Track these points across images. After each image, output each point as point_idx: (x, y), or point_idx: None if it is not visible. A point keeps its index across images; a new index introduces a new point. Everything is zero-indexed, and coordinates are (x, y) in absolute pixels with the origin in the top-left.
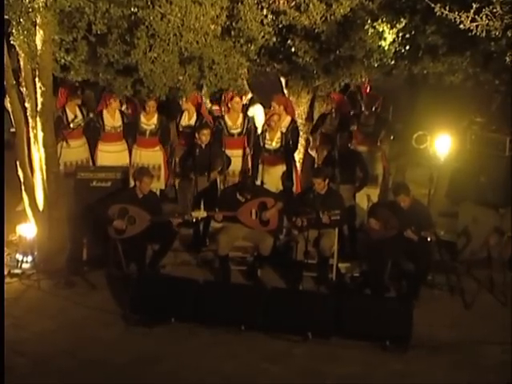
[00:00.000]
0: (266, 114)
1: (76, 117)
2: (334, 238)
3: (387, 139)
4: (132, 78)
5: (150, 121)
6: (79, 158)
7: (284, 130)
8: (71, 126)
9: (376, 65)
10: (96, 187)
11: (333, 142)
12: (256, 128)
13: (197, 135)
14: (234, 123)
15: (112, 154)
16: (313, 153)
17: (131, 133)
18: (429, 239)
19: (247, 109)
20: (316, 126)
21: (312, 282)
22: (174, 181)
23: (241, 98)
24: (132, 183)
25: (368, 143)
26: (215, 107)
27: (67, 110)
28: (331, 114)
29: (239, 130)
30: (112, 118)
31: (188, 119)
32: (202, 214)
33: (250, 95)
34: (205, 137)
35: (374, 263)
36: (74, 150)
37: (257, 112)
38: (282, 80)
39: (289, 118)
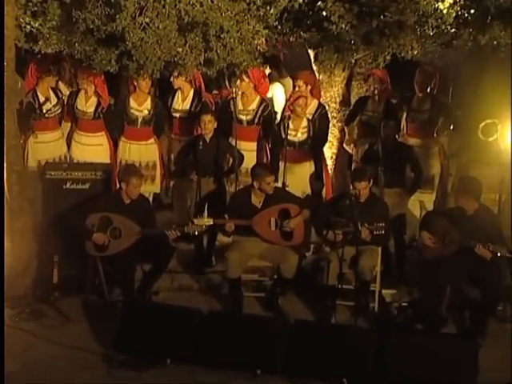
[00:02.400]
0: (288, 97)
1: (47, 100)
2: (376, 257)
3: (446, 129)
4: (117, 50)
5: (141, 105)
6: (56, 155)
7: (310, 117)
8: (45, 113)
9: (431, 33)
10: (70, 190)
11: (375, 132)
12: (275, 114)
13: (197, 122)
14: (245, 106)
15: (86, 148)
16: (349, 147)
17: (113, 121)
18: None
19: None
20: (354, 112)
21: (348, 313)
22: (168, 183)
23: (249, 78)
24: (117, 185)
25: (421, 134)
26: (214, 92)
27: (38, 93)
28: (373, 97)
29: (250, 116)
30: (84, 100)
31: (182, 101)
32: (206, 222)
33: (267, 71)
34: (209, 125)
35: (427, 289)
36: (50, 145)
37: (277, 92)
38: (311, 53)
39: (315, 102)
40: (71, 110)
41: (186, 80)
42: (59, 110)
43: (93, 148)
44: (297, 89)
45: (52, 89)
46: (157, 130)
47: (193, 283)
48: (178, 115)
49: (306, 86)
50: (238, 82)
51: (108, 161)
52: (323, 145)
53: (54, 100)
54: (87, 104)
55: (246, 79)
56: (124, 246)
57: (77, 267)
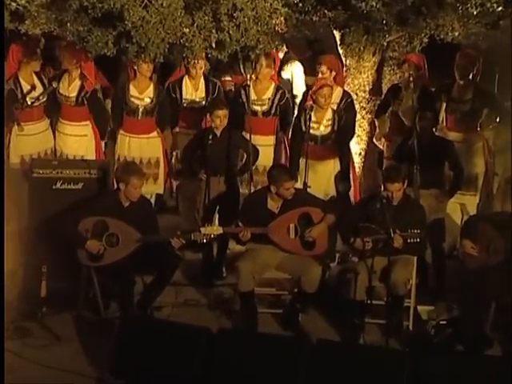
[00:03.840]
0: (307, 85)
1: (33, 88)
2: (411, 269)
3: (491, 122)
4: (115, 31)
5: (142, 93)
6: (41, 149)
7: (335, 108)
8: (28, 101)
9: (475, 12)
10: (61, 190)
11: (410, 126)
12: (293, 99)
13: (209, 117)
14: (259, 95)
15: (69, 138)
16: (380, 142)
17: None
18: None
19: (280, 71)
20: (385, 102)
21: (378, 332)
22: (173, 182)
23: (272, 62)
24: (114, 185)
25: (463, 128)
26: (226, 78)
27: (20, 79)
28: (408, 86)
29: (266, 107)
30: (67, 83)
31: (193, 90)
32: (216, 230)
33: (283, 51)
34: (220, 119)
35: (469, 305)
36: (35, 138)
37: (295, 72)
38: (336, 34)
39: (340, 90)
40: (53, 95)
41: (195, 65)
42: (44, 98)
43: (76, 139)
44: (320, 75)
45: (36, 74)
46: (160, 121)
47: (200, 297)
48: (186, 106)
49: (330, 72)
50: (259, 66)
51: (93, 154)
52: (350, 139)
53: (38, 87)
54: (70, 88)
55: (266, 63)
56: (122, 254)
57: (68, 279)
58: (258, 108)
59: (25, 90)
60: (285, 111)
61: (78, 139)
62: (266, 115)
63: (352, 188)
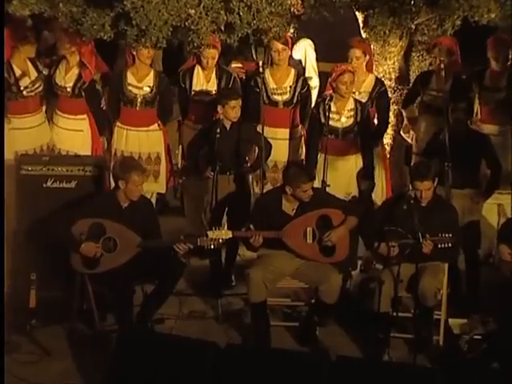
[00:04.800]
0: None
1: (26, 76)
2: (441, 277)
3: None
4: (112, 12)
5: (141, 81)
6: (37, 144)
7: (364, 97)
8: (22, 91)
9: None
10: (52, 189)
11: (441, 118)
12: (309, 90)
13: (220, 108)
14: (279, 84)
15: (64, 133)
16: (408, 136)
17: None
18: None
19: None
20: (413, 91)
21: (405, 347)
22: (178, 181)
23: (285, 44)
24: (111, 184)
25: (498, 120)
26: (236, 64)
27: (14, 66)
28: (439, 73)
29: (287, 96)
30: (64, 72)
31: (205, 80)
32: (225, 234)
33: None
34: (234, 111)
35: (506, 318)
36: (30, 133)
37: (308, 51)
38: (359, 16)
39: (372, 78)
40: (49, 84)
41: (206, 55)
42: (41, 87)
43: (71, 134)
44: (354, 61)
45: (30, 60)
46: (162, 113)
47: (207, 309)
48: (196, 98)
49: (365, 56)
50: (275, 51)
51: (88, 151)
52: (383, 133)
53: (33, 74)
54: (67, 77)
55: (282, 47)
56: (120, 261)
57: (60, 288)
58: (278, 98)
59: (19, 79)
60: (306, 101)
61: (73, 134)
62: (287, 105)
63: (377, 187)
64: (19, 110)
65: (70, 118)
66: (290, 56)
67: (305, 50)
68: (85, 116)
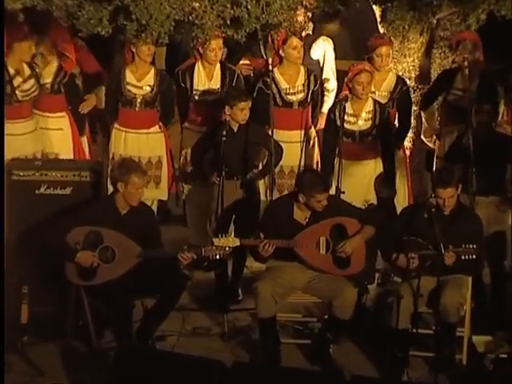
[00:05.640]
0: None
1: (17, 74)
2: (464, 292)
3: None
4: (110, 6)
5: (141, 80)
6: (29, 152)
7: (385, 97)
8: (18, 94)
9: None
10: (45, 196)
11: (465, 120)
12: (322, 86)
13: (228, 109)
14: (291, 83)
15: (45, 133)
16: (430, 140)
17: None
18: None
19: (309, 49)
20: (435, 91)
21: (425, 367)
22: (182, 187)
23: (301, 40)
24: (109, 190)
25: None
26: (244, 61)
27: (8, 67)
28: (462, 71)
29: (302, 95)
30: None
31: (207, 79)
32: (232, 242)
33: (309, 27)
34: (243, 113)
35: None
36: (22, 139)
37: (328, 51)
38: (376, 10)
39: (392, 76)
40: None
41: (211, 48)
42: (36, 91)
43: (50, 133)
44: (384, 59)
45: (27, 62)
46: (164, 114)
47: (212, 325)
48: (199, 98)
49: (388, 56)
50: (288, 47)
51: (69, 153)
52: (404, 137)
53: (26, 74)
54: (44, 72)
55: (296, 43)
56: (118, 272)
57: (54, 302)
58: (292, 98)
59: (14, 83)
60: (316, 100)
61: (51, 133)
62: (301, 105)
63: (397, 195)
64: (12, 115)
65: (49, 116)
66: (305, 54)
67: (324, 50)
68: (64, 114)
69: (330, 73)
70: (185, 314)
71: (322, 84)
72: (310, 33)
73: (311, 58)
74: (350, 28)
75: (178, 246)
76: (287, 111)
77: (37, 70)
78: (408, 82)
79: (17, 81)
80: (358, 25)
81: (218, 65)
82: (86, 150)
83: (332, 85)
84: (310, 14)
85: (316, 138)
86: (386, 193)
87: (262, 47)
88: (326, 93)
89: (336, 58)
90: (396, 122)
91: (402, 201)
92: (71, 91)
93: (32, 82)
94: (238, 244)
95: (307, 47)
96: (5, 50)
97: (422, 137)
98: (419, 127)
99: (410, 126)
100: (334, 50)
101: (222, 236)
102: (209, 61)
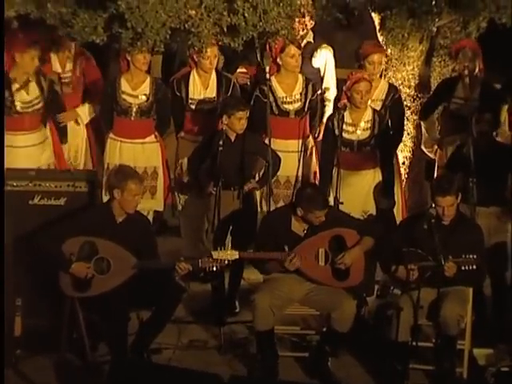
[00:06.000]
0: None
1: (21, 89)
2: (465, 304)
3: None
4: (105, 13)
5: (137, 89)
6: (39, 165)
7: (377, 105)
8: (17, 106)
9: None
10: (39, 206)
11: (466, 129)
12: (322, 95)
13: (225, 118)
14: (288, 92)
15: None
16: (430, 150)
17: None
18: None
19: (310, 58)
20: (434, 100)
21: (426, 380)
22: (178, 198)
23: (299, 48)
24: (105, 197)
25: None
26: (241, 70)
27: (11, 77)
28: (463, 80)
29: (299, 104)
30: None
31: (202, 87)
32: (229, 256)
33: (309, 36)
34: (241, 123)
35: None
36: (27, 151)
37: (329, 60)
38: (375, 17)
39: (384, 84)
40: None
41: (207, 56)
42: (40, 104)
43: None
44: (376, 67)
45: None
46: (159, 124)
47: (208, 338)
48: (195, 107)
49: (380, 63)
50: (286, 55)
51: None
52: (397, 144)
53: (32, 89)
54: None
55: (298, 51)
56: (114, 283)
57: (48, 314)
58: (289, 107)
59: (15, 95)
60: (314, 109)
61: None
62: (298, 114)
63: (396, 205)
64: (14, 127)
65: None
66: (306, 63)
67: (326, 59)
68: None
69: (330, 82)
70: (181, 326)
71: (322, 93)
72: (311, 41)
73: (312, 67)
74: (350, 36)
75: (174, 257)
76: (284, 120)
77: (43, 84)
78: (408, 90)
79: (18, 93)
80: (357, 33)
81: (214, 73)
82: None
83: (331, 94)
84: (311, 23)
85: (314, 148)
86: (385, 203)
87: (258, 55)
88: (326, 102)
89: (336, 67)
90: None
91: (396, 211)
92: (52, 99)
93: (35, 94)
94: (237, 257)
95: (308, 56)
96: (8, 61)
97: (423, 147)
98: (419, 137)
99: (402, 135)
100: (334, 57)
101: (220, 249)
102: (204, 69)
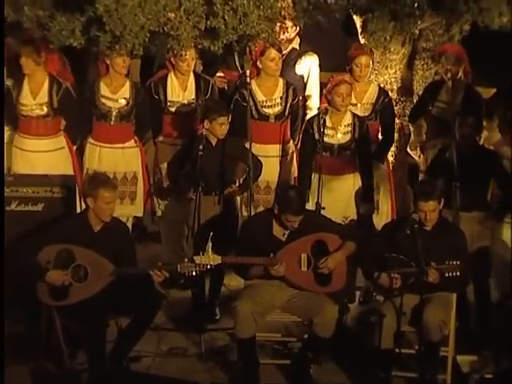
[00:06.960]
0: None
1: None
2: (448, 309)
3: None
4: (83, 17)
5: (116, 93)
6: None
7: (367, 109)
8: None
9: None
10: (16, 213)
11: (449, 133)
12: (305, 103)
13: (206, 123)
14: (268, 95)
15: (35, 155)
16: (415, 153)
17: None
18: None
19: (294, 65)
20: (423, 103)
21: None
22: (158, 203)
23: (279, 51)
24: (81, 206)
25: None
26: (219, 74)
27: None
28: (446, 84)
29: (279, 108)
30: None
31: (180, 89)
32: (212, 261)
33: (295, 42)
34: (222, 128)
35: None
36: (38, 156)
37: (313, 67)
38: (357, 20)
39: (374, 87)
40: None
41: (184, 58)
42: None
43: (49, 155)
44: (363, 70)
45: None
46: (139, 128)
47: (189, 345)
48: (174, 110)
49: (367, 66)
50: (266, 58)
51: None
52: (388, 150)
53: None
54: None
55: (279, 54)
56: (91, 291)
57: (24, 322)
58: (269, 111)
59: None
60: (296, 113)
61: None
62: (278, 119)
63: (386, 209)
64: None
65: (40, 138)
66: (289, 69)
67: (310, 67)
68: (60, 133)
69: (313, 89)
70: (160, 333)
71: (304, 100)
72: (297, 47)
73: (295, 73)
74: (331, 39)
75: (154, 264)
76: (263, 124)
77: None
78: (390, 94)
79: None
80: (338, 36)
81: (192, 75)
82: None
83: (314, 102)
84: (294, 28)
85: (295, 153)
86: (365, 208)
87: (237, 59)
88: (307, 110)
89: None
90: (379, 135)
91: (385, 216)
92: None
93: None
94: (220, 262)
95: (292, 62)
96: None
97: (408, 149)
98: (401, 140)
99: (393, 139)
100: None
101: (202, 254)
102: (181, 71)
